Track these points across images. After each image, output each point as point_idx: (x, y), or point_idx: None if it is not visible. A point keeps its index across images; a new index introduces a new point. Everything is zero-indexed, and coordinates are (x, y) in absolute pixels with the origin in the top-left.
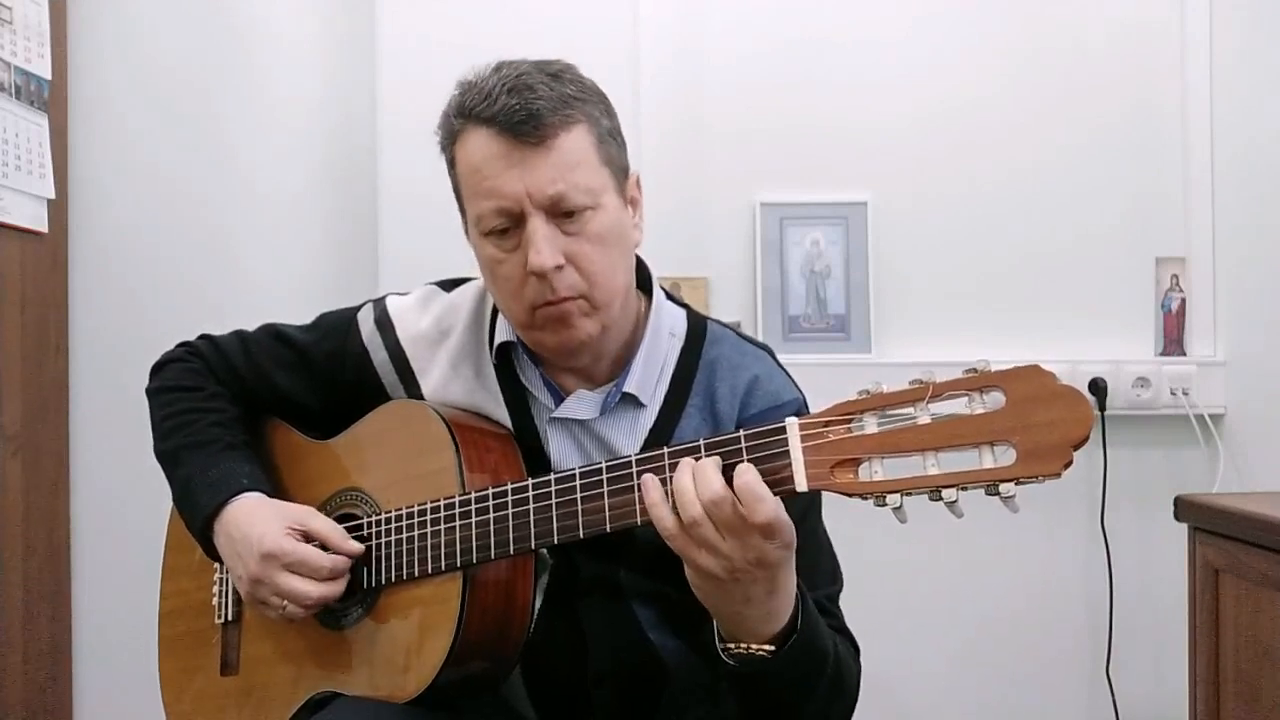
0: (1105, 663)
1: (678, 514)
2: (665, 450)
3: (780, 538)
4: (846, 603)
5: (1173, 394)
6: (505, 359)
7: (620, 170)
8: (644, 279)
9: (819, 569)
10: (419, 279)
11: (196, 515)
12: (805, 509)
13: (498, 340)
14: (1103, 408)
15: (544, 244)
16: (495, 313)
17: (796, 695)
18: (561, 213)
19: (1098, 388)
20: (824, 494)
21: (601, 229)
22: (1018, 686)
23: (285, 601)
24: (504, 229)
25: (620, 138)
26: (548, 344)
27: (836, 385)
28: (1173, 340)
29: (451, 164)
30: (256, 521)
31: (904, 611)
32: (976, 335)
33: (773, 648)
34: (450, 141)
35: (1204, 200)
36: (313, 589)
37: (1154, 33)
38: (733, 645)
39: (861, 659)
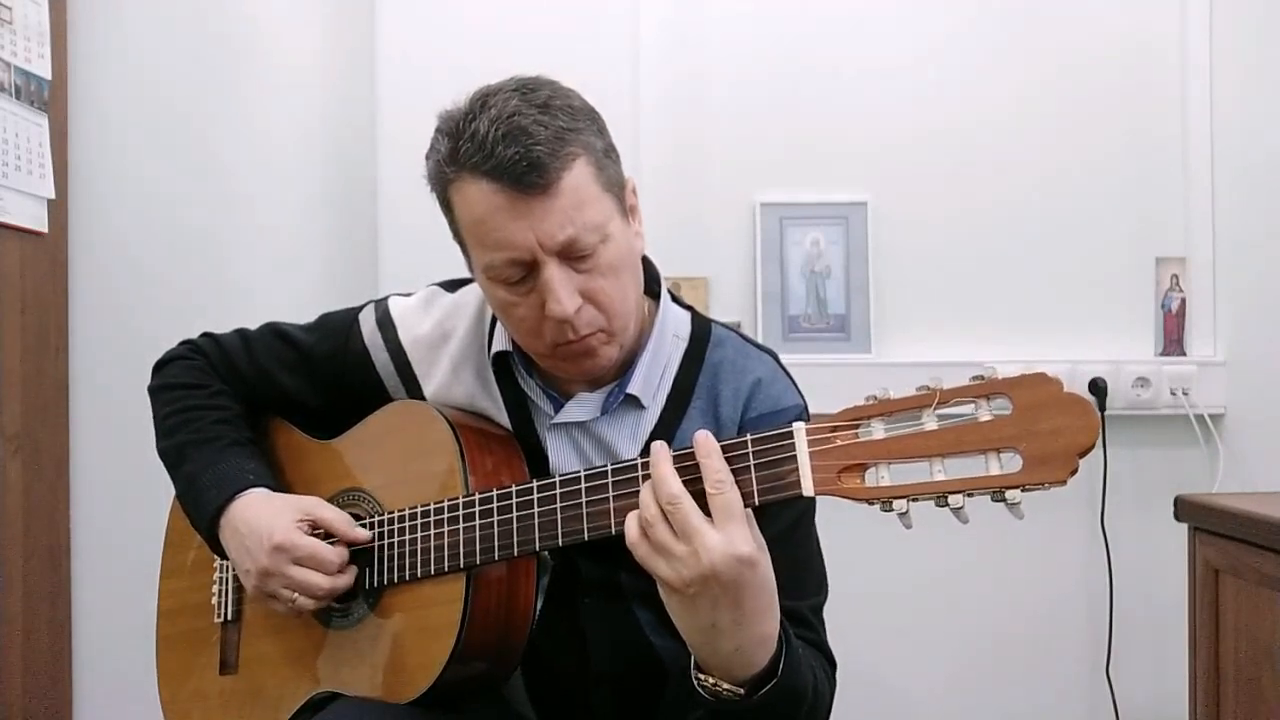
0: (1105, 663)
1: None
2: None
3: (735, 542)
4: (846, 605)
5: (1173, 394)
6: (504, 365)
7: (619, 188)
8: (651, 281)
9: (806, 579)
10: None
11: (203, 511)
12: (798, 517)
13: (495, 349)
14: (1103, 408)
15: (562, 291)
16: (495, 319)
17: None
18: (574, 255)
19: (1098, 388)
20: (821, 501)
21: (613, 259)
22: (1018, 686)
23: (295, 594)
24: (518, 278)
25: (614, 152)
26: (570, 372)
27: (837, 385)
28: (1173, 340)
29: (447, 208)
30: (265, 515)
31: (904, 612)
32: (977, 335)
33: (743, 690)
34: (443, 187)
35: (1204, 200)
36: (324, 581)
37: (1154, 33)
38: (704, 677)
39: (861, 660)
